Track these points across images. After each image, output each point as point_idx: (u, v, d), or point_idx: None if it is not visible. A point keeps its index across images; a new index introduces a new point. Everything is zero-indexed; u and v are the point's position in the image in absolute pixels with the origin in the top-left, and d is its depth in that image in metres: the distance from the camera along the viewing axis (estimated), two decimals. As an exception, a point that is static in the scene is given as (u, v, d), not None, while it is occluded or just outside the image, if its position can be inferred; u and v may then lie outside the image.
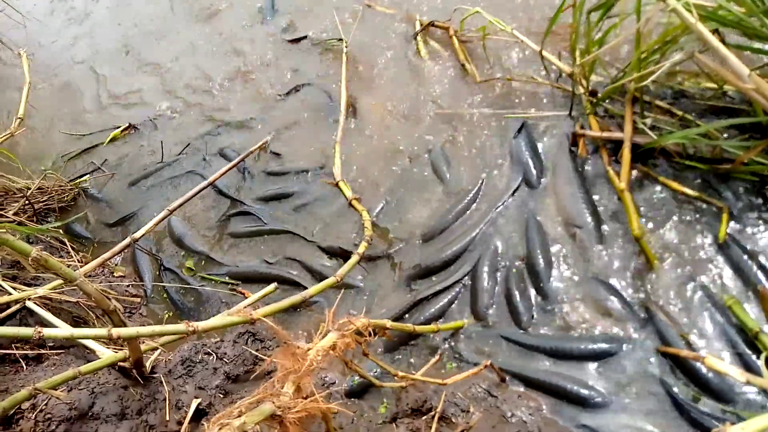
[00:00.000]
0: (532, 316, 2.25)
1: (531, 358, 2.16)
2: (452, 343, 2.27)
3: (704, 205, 2.35)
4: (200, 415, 2.03)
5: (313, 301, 2.53)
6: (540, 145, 2.77)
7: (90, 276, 2.81)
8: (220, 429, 1.33)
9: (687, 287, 2.18)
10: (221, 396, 2.09)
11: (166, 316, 2.71)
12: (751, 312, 2.05)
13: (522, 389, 2.07)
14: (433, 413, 1.98)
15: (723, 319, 2.07)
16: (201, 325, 1.63)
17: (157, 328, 1.61)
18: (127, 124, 3.72)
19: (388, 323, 1.88)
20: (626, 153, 2.44)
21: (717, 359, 1.74)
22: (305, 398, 1.47)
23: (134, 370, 2.03)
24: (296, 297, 1.89)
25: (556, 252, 2.41)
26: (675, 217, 2.35)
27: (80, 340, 2.16)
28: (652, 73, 2.28)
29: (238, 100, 3.66)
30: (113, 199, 3.37)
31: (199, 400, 2.03)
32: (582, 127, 2.69)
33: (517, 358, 2.18)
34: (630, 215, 2.31)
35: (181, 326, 1.61)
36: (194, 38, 4.21)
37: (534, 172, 2.67)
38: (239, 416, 1.37)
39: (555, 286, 2.31)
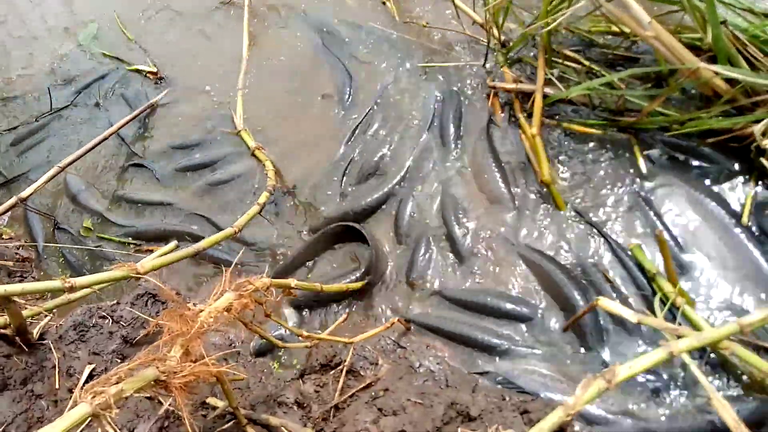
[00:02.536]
0: (422, 277, 2.24)
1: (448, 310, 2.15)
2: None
3: (610, 153, 2.38)
4: (95, 381, 1.92)
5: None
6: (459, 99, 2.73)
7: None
8: (93, 397, 1.24)
9: (596, 235, 2.20)
10: (118, 361, 1.97)
11: (62, 279, 2.52)
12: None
13: (430, 340, 2.07)
14: (341, 367, 1.95)
15: (632, 263, 2.11)
16: (79, 280, 1.51)
17: (28, 286, 1.47)
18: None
19: (293, 282, 1.81)
20: (538, 98, 2.42)
21: (610, 301, 1.77)
22: (194, 362, 1.40)
23: (18, 338, 1.88)
24: (189, 249, 1.78)
25: (471, 211, 2.38)
26: (583, 168, 2.38)
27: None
28: (558, 19, 2.26)
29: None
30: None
31: (93, 366, 1.92)
32: (493, 80, 2.66)
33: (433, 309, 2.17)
34: (540, 160, 2.30)
35: (56, 282, 1.48)
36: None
37: (450, 130, 2.63)
38: (118, 383, 1.28)
39: (467, 246, 2.28)
